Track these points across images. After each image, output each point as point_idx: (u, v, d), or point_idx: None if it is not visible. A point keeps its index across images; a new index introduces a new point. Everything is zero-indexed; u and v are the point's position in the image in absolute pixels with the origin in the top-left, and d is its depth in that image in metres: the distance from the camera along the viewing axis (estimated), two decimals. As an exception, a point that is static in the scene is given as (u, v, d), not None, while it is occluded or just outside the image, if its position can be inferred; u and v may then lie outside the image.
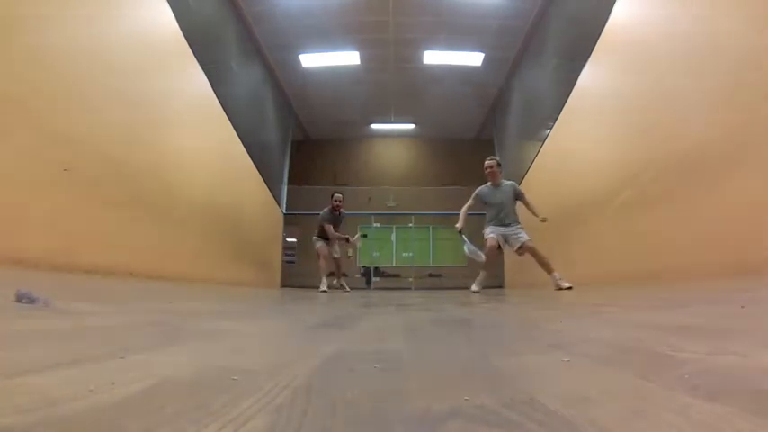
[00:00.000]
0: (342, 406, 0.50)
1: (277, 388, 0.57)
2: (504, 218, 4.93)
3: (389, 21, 8.59)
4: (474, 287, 4.88)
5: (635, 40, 4.45)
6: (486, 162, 5.11)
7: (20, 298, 1.22)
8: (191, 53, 5.56)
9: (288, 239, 12.72)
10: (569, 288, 4.33)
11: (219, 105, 6.63)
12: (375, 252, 13.51)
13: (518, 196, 5.05)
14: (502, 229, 4.91)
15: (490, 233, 4.91)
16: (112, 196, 3.83)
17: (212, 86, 6.30)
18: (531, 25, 8.43)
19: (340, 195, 6.65)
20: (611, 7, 4.81)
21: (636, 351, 0.84)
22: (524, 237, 4.82)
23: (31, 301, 1.22)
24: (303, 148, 13.89)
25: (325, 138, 14.42)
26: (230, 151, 7.39)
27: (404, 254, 12.56)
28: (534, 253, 4.75)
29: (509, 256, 10.55)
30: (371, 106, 12.50)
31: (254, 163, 8.44)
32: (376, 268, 12.89)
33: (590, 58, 5.53)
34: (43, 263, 2.93)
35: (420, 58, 9.93)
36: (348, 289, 6.92)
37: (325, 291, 6.15)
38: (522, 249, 4.80)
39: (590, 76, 5.70)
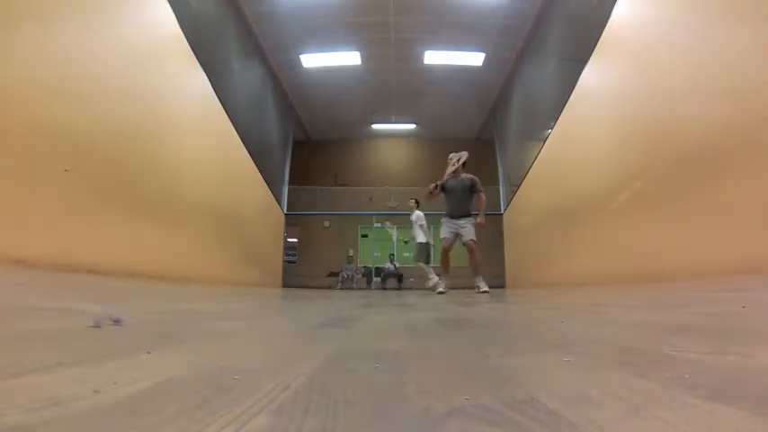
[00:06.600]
0: (343, 406, 0.51)
1: (278, 388, 0.57)
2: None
3: (390, 21, 8.59)
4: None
5: (636, 40, 4.45)
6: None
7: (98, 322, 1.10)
8: (192, 53, 5.57)
9: (289, 239, 12.73)
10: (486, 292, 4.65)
11: (220, 105, 6.64)
12: (376, 252, 13.48)
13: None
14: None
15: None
16: (113, 196, 3.84)
17: (213, 87, 6.31)
18: (532, 25, 8.42)
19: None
20: (612, 7, 4.81)
21: (636, 351, 0.84)
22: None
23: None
24: (304, 148, 13.88)
25: (326, 138, 14.42)
26: (231, 151, 7.40)
27: (405, 254, 12.51)
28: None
29: (509, 255, 10.60)
30: (372, 106, 12.50)
31: (256, 163, 8.45)
32: (377, 268, 12.87)
33: (591, 58, 5.52)
34: (44, 263, 2.93)
35: (421, 58, 9.92)
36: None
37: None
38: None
39: (591, 76, 5.69)
